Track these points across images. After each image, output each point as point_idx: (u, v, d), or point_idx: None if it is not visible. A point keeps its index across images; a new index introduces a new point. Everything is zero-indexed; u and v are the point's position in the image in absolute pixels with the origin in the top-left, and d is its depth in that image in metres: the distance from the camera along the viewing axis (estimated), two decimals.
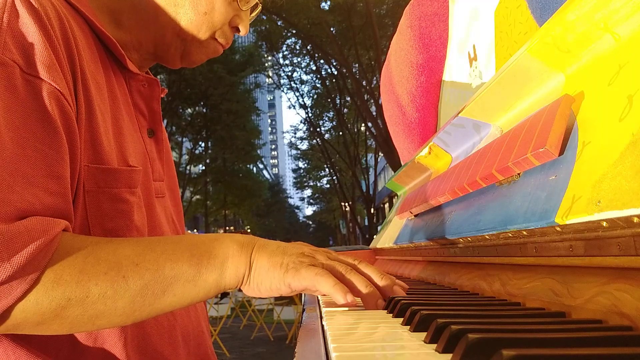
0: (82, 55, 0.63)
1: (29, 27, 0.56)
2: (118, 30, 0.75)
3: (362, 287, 0.61)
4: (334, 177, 22.31)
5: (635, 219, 0.37)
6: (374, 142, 17.57)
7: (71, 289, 0.52)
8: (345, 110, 20.33)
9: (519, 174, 0.60)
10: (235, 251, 0.60)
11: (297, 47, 19.40)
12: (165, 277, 0.56)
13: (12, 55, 0.53)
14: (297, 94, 20.99)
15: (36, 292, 0.50)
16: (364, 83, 15.60)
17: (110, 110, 0.68)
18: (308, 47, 18.30)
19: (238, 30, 0.80)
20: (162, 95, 0.81)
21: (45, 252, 0.50)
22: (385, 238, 1.46)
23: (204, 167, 20.78)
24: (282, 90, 21.99)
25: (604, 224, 0.40)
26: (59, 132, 0.56)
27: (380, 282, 0.64)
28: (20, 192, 0.51)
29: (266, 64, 22.24)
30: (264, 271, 0.60)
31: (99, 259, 0.54)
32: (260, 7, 0.84)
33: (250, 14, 0.83)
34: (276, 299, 6.33)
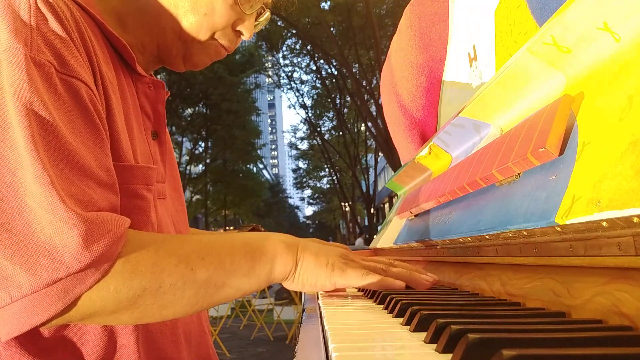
0: (98, 55, 0.64)
1: (55, 28, 0.57)
2: (123, 32, 0.76)
3: (406, 275, 0.72)
4: (334, 177, 22.32)
5: (635, 219, 0.37)
6: (374, 142, 17.56)
7: (147, 279, 0.55)
8: (345, 110, 20.33)
9: (518, 174, 0.60)
10: (282, 249, 0.67)
11: (297, 47, 19.40)
12: (225, 270, 0.61)
13: (45, 56, 0.55)
14: (297, 94, 21.01)
15: (115, 282, 0.53)
16: (364, 83, 15.60)
17: (122, 111, 0.69)
18: (308, 47, 18.31)
19: (242, 33, 0.80)
20: (165, 98, 0.81)
21: (117, 245, 0.54)
22: (386, 238, 1.46)
23: (204, 167, 20.78)
24: (282, 90, 22.00)
25: (604, 224, 0.40)
26: (100, 128, 0.58)
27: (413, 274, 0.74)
28: (79, 185, 0.53)
29: (266, 64, 22.23)
30: (311, 269, 0.67)
31: (169, 252, 0.58)
32: (269, 14, 0.84)
33: (258, 19, 0.83)
34: (276, 299, 6.33)
